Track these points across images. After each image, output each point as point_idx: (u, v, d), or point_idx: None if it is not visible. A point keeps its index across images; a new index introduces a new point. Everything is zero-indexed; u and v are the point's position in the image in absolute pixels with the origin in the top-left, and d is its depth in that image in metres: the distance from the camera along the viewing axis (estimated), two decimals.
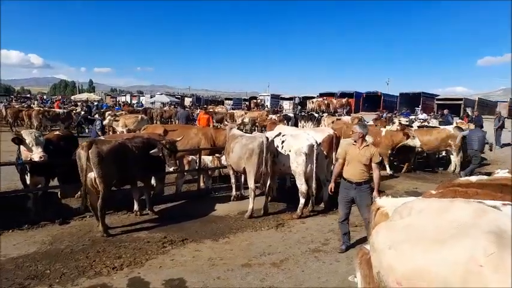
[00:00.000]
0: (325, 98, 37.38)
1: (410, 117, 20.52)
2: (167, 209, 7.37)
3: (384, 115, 21.03)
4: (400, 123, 13.35)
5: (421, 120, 17.76)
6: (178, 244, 5.63)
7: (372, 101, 35.49)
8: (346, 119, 18.08)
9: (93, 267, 4.79)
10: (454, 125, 14.02)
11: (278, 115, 22.02)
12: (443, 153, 13.23)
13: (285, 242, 5.82)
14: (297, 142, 7.13)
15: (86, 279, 4.48)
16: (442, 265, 1.70)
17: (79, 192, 7.44)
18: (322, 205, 7.65)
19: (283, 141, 7.35)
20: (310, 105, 36.85)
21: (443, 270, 1.69)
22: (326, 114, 20.94)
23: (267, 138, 6.90)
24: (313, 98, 39.39)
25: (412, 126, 13.58)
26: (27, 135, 6.18)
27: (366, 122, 17.18)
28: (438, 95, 36.92)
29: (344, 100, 35.46)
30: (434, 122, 16.97)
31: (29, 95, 72.57)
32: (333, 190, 5.58)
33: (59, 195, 7.56)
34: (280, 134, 7.72)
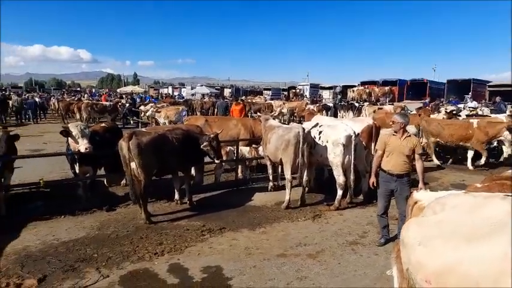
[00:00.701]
0: (366, 86, 36.19)
1: (459, 105, 19.38)
2: (206, 198, 7.57)
3: (428, 103, 20.04)
4: (446, 111, 12.67)
5: (471, 109, 16.72)
6: (216, 232, 5.79)
7: (417, 89, 33.86)
8: (388, 108, 17.40)
9: (136, 253, 5.05)
10: (508, 113, 13.06)
11: (317, 105, 21.71)
12: (495, 144, 12.40)
13: (322, 234, 5.80)
14: (334, 133, 7.02)
15: (130, 264, 4.74)
16: (473, 263, 1.63)
17: (123, 181, 7.89)
18: (361, 197, 7.52)
19: (320, 132, 7.27)
20: (350, 94, 35.84)
21: (474, 268, 1.62)
22: (367, 103, 20.31)
23: (303, 129, 6.85)
24: (354, 86, 38.29)
25: (460, 115, 12.87)
26: (74, 128, 6.53)
27: (409, 111, 16.54)
28: (490, 81, 34.52)
29: (387, 88, 34.10)
30: (485, 111, 15.91)
31: (78, 89, 76.62)
32: (375, 184, 5.35)
33: (105, 183, 8.01)
34: (317, 124, 7.64)
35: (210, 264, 4.75)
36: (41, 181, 6.55)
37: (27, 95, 34.01)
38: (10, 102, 23.05)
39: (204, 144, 6.93)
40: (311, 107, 17.83)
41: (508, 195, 1.91)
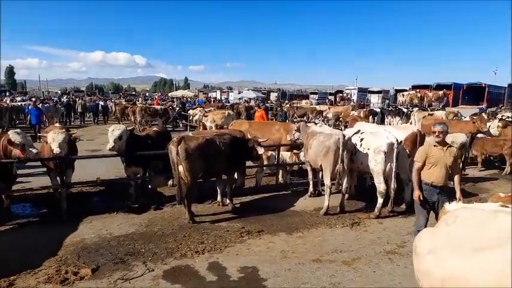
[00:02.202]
0: (418, 90, 34.69)
1: None
2: (247, 201, 7.82)
3: (485, 108, 18.87)
4: (502, 119, 11.94)
5: None
6: (254, 235, 5.99)
7: (473, 94, 31.92)
8: (440, 114, 16.63)
9: (179, 250, 5.39)
10: None
11: (364, 110, 21.29)
12: None
13: (359, 241, 5.80)
14: (375, 140, 6.97)
15: (173, 260, 5.08)
16: (476, 274, 1.68)
17: (170, 181, 8.36)
18: (403, 206, 7.37)
19: (361, 139, 7.25)
20: (401, 98, 34.55)
21: (477, 278, 1.67)
22: (416, 108, 19.53)
23: (344, 136, 6.87)
24: (405, 91, 36.87)
25: None
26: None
27: (462, 117, 15.75)
28: None
29: (441, 93, 32.44)
30: None
31: (134, 93, 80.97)
32: (421, 197, 5.01)
33: (150, 185, 8.53)
34: (359, 131, 7.62)
35: (247, 264, 4.96)
36: (97, 179, 7.17)
37: (88, 98, 36.74)
38: (76, 105, 25.14)
39: (260, 148, 7.34)
40: (355, 113, 17.53)
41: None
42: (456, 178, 4.98)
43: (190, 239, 5.78)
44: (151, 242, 5.64)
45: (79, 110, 24.74)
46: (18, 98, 33.57)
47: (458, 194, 4.86)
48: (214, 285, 4.44)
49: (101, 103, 27.36)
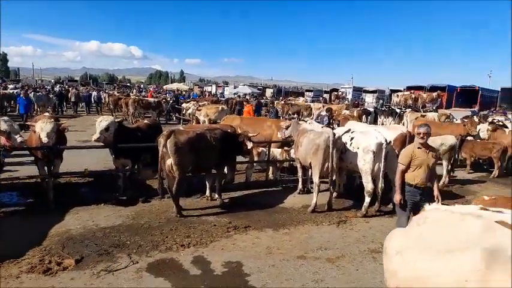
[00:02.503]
0: (412, 91, 34.89)
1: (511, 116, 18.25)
2: (236, 196, 7.83)
3: (477, 111, 19.04)
4: (492, 122, 12.06)
5: None
6: (241, 230, 6.01)
7: (467, 96, 32.20)
8: (432, 115, 16.74)
9: (165, 243, 5.40)
10: None
11: (358, 109, 21.37)
12: None
13: (344, 239, 5.85)
14: (365, 139, 7.01)
15: (158, 253, 5.09)
16: (440, 276, 1.73)
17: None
18: (390, 206, 7.41)
19: (352, 138, 7.29)
20: (395, 98, 34.78)
21: (438, 280, 1.71)
22: (409, 109, 19.65)
23: (334, 134, 6.90)
24: (400, 91, 37.07)
25: (507, 127, 12.19)
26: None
27: (454, 120, 15.88)
28: None
29: (435, 94, 32.65)
30: None
31: (128, 84, 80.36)
32: (402, 202, 5.08)
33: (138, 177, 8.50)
34: (349, 130, 7.66)
35: (232, 259, 4.98)
36: (85, 170, 7.13)
37: (82, 88, 36.39)
38: (69, 94, 24.91)
39: (250, 144, 7.41)
40: (346, 112, 17.58)
41: (485, 212, 1.97)
42: (433, 176, 5.07)
43: (176, 233, 5.78)
44: (137, 235, 5.64)
45: (72, 99, 24.56)
46: (10, 86, 33.15)
47: (436, 192, 4.94)
48: (197, 279, 4.45)
49: (94, 93, 27.10)
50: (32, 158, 7.32)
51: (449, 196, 8.51)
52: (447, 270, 1.74)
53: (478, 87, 32.36)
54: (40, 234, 5.42)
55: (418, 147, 5.00)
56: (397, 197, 5.10)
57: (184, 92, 42.62)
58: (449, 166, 9.44)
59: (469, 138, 11.36)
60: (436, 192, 4.99)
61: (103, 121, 6.96)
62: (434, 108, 27.56)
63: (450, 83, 34.24)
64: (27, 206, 6.63)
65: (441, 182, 9.31)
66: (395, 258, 2.00)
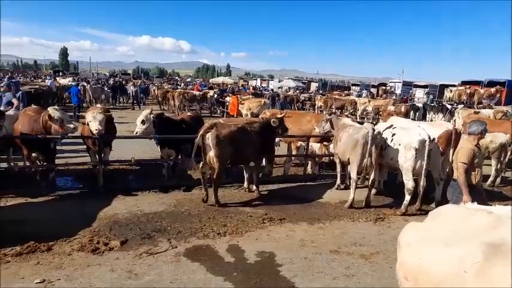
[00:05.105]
0: (468, 86, 32.79)
1: None
2: (273, 189, 7.95)
3: None
4: None
5: None
6: (276, 222, 6.13)
7: None
8: (487, 112, 15.67)
9: (202, 230, 5.65)
10: None
11: (405, 104, 20.56)
12: None
13: (380, 237, 5.77)
14: (407, 136, 6.81)
15: (196, 239, 5.34)
16: (441, 266, 1.79)
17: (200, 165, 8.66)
18: (433, 205, 7.16)
19: (393, 134, 7.11)
20: (448, 94, 32.87)
21: (439, 271, 1.76)
22: (461, 105, 18.54)
23: (374, 130, 6.77)
24: (453, 86, 34.98)
25: None
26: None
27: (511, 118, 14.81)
28: None
29: (493, 90, 30.44)
30: None
31: (177, 78, 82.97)
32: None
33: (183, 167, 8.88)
34: (391, 126, 7.47)
35: (265, 250, 5.11)
36: (132, 159, 7.60)
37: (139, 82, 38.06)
38: (131, 87, 26.01)
39: (274, 120, 7.59)
40: (392, 108, 16.99)
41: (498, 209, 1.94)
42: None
43: (214, 221, 6.02)
44: (177, 221, 5.94)
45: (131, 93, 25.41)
46: (66, 80, 35.19)
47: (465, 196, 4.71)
48: (231, 266, 4.63)
49: (132, 88, 28.18)
50: (85, 147, 7.92)
51: (499, 197, 8.05)
52: (448, 261, 1.78)
53: None
54: (90, 216, 5.89)
55: (476, 145, 4.81)
56: (466, 199, 4.68)
57: (229, 86, 43.26)
58: (499, 165, 8.89)
59: None
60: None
61: (140, 116, 7.49)
62: (492, 104, 25.77)
63: (510, 78, 31.77)
64: (79, 191, 7.20)
65: (489, 182, 8.83)
66: (405, 249, 2.06)
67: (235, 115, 15.86)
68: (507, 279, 1.49)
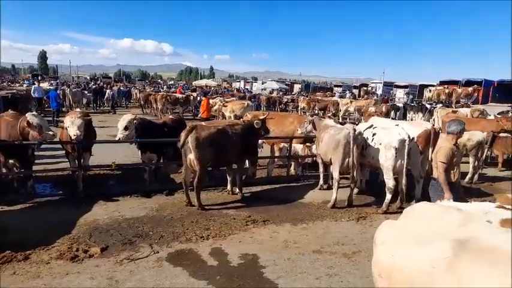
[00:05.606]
0: (446, 86, 33.59)
1: None
2: (256, 191, 7.95)
3: None
4: None
5: None
6: (259, 224, 6.12)
7: (505, 91, 30.62)
8: (464, 111, 16.09)
9: (185, 234, 5.58)
10: None
11: (386, 104, 20.92)
12: None
13: (363, 235, 5.83)
14: (387, 135, 6.92)
15: (178, 243, 5.28)
16: (411, 263, 1.84)
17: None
18: (412, 203, 7.27)
19: (374, 134, 7.21)
20: (427, 93, 33.59)
21: (413, 267, 1.82)
22: (440, 105, 18.99)
23: (355, 130, 6.85)
24: (432, 86, 35.77)
25: None
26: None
27: (488, 116, 15.25)
28: None
29: (470, 89, 31.26)
30: None
31: (159, 80, 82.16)
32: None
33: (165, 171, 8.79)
34: (372, 126, 7.57)
35: (249, 252, 5.09)
36: (112, 164, 7.47)
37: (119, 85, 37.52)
38: (108, 91, 25.66)
39: (257, 121, 7.63)
40: (372, 109, 17.27)
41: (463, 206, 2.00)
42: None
43: (197, 225, 5.96)
44: (159, 226, 5.86)
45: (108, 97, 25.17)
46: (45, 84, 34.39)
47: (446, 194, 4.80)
48: (214, 270, 4.59)
49: (121, 89, 27.98)
50: (64, 152, 7.74)
51: (477, 194, 8.25)
52: (421, 258, 1.82)
53: None
54: (69, 223, 5.75)
55: (455, 144, 4.92)
56: (448, 196, 4.77)
57: (212, 88, 43.13)
58: (477, 163, 9.13)
59: (502, 134, 10.87)
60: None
61: (122, 121, 7.32)
62: (469, 103, 26.46)
63: (487, 77, 32.70)
64: (58, 197, 7.03)
65: (467, 179, 9.04)
66: (380, 247, 2.10)
67: (204, 116, 15.64)
68: (474, 275, 1.53)
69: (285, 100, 26.80)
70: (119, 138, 7.24)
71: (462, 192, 5.13)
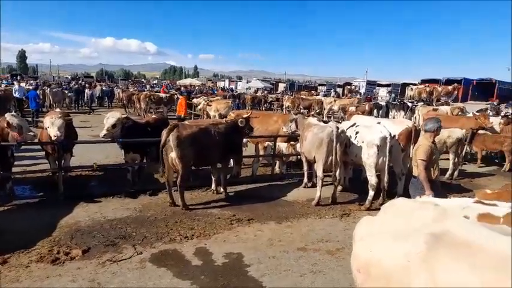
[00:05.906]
0: (427, 85, 34.29)
1: None
2: (241, 190, 7.95)
3: (496, 105, 18.61)
4: (505, 115, 11.83)
5: None
6: (244, 223, 6.12)
7: (483, 89, 31.51)
8: (444, 109, 16.46)
9: (169, 235, 5.54)
10: None
11: (369, 103, 21.19)
12: None
13: (346, 232, 5.88)
14: (369, 133, 7.03)
15: (162, 244, 5.24)
16: (389, 259, 1.89)
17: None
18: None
19: (356, 132, 7.31)
20: (409, 92, 34.23)
21: (387, 262, 1.87)
22: (421, 103, 19.36)
23: (338, 128, 6.92)
24: (414, 84, 36.47)
25: None
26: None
27: (467, 114, 15.61)
28: None
29: (450, 87, 32.00)
30: None
31: (143, 80, 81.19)
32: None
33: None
34: (354, 124, 7.67)
35: (233, 251, 5.09)
36: (94, 164, 7.35)
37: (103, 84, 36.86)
38: (86, 91, 25.22)
39: (241, 120, 7.57)
40: (353, 108, 17.48)
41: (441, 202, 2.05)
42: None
43: (181, 225, 5.93)
44: (143, 227, 5.80)
45: (86, 96, 24.84)
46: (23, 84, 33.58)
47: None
48: (198, 270, 4.58)
49: (103, 88, 27.56)
50: (44, 153, 7.57)
51: (457, 190, 8.44)
52: (397, 253, 1.86)
53: (495, 80, 31.60)
54: (50, 225, 5.63)
55: (433, 142, 5.01)
56: (429, 193, 4.77)
57: (197, 88, 42.86)
58: (457, 159, 9.35)
59: (480, 131, 11.17)
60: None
61: (110, 118, 7.13)
62: (449, 101, 27.06)
63: (466, 76, 33.53)
64: (38, 199, 6.87)
65: (447, 175, 9.25)
66: (358, 243, 2.14)
67: (182, 116, 15.59)
68: (448, 268, 1.57)
69: (270, 99, 26.84)
70: (104, 135, 7.07)
71: (440, 189, 5.22)
